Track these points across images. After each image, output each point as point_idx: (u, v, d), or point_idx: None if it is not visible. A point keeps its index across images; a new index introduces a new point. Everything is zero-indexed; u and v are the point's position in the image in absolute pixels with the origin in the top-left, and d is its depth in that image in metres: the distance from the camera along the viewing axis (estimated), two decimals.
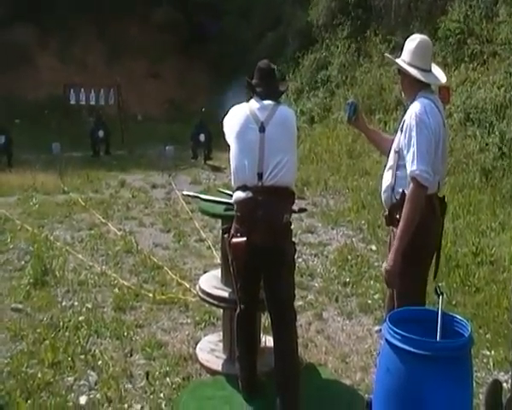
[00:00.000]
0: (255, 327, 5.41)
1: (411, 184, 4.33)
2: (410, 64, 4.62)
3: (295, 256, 5.08)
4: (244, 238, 4.74)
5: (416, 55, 4.62)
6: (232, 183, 5.01)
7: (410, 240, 4.33)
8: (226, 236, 5.00)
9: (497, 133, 12.42)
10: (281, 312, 4.95)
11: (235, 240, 4.81)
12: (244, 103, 5.07)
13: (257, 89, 5.07)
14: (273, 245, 4.79)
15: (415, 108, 4.47)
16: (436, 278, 4.92)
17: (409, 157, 4.37)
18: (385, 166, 4.80)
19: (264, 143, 4.80)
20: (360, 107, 5.25)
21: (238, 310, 5.14)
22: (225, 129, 5.15)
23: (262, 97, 5.01)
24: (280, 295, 4.94)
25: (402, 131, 4.51)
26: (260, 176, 4.78)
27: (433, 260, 4.80)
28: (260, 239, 4.72)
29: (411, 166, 4.33)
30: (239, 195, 4.84)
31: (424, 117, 4.39)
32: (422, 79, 4.60)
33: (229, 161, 5.03)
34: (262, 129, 4.83)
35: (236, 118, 5.00)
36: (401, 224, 4.34)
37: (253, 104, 4.99)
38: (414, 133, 4.36)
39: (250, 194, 4.77)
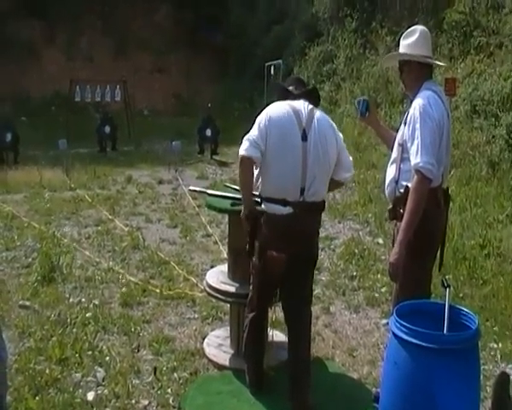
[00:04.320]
0: (266, 326, 5.43)
1: (415, 177, 4.31)
2: (413, 55, 4.62)
3: None
4: (283, 254, 4.63)
5: (420, 45, 4.61)
6: (261, 188, 4.80)
7: (414, 233, 4.31)
8: (257, 244, 4.81)
9: (503, 125, 12.39)
10: (300, 309, 4.97)
11: (272, 254, 4.67)
12: (283, 103, 4.79)
13: (294, 91, 4.88)
14: (308, 251, 4.85)
15: (418, 100, 4.46)
16: (441, 271, 4.91)
17: (413, 149, 4.34)
18: (389, 159, 4.79)
19: (307, 154, 4.59)
20: (372, 104, 5.19)
21: (255, 313, 5.08)
22: (260, 132, 4.64)
23: (299, 98, 4.81)
24: (303, 294, 4.98)
25: (406, 123, 4.50)
26: (302, 191, 4.63)
27: (438, 253, 4.79)
28: (298, 252, 4.69)
29: (415, 158, 4.30)
30: (277, 208, 4.65)
31: (428, 108, 4.38)
32: (430, 62, 4.62)
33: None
34: (304, 137, 4.61)
35: (276, 119, 4.65)
36: (405, 216, 4.32)
37: (294, 103, 4.74)
38: (418, 125, 4.34)
39: (291, 210, 4.63)
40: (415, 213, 4.29)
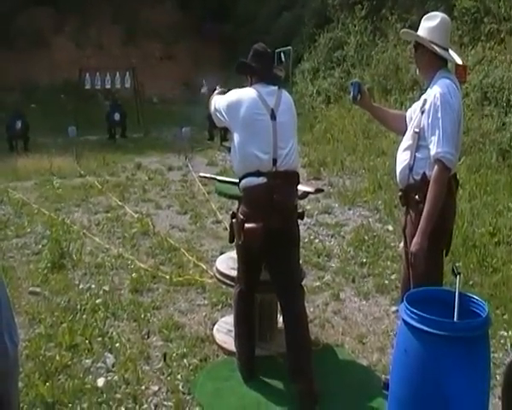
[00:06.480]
0: (254, 308, 5.42)
1: (436, 167, 4.30)
2: (430, 41, 4.57)
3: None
4: (260, 224, 4.72)
5: (438, 32, 4.56)
6: (236, 168, 5.01)
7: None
8: (235, 220, 5.00)
9: None
10: (292, 291, 5.00)
11: (249, 225, 4.77)
12: (248, 88, 5.02)
13: (261, 73, 5.03)
14: (287, 228, 4.88)
15: (438, 88, 4.41)
16: (450, 256, 4.90)
17: (434, 139, 4.32)
18: (399, 145, 4.77)
19: (277, 130, 4.82)
20: (363, 86, 5.18)
21: (238, 290, 5.23)
22: (228, 113, 4.96)
23: (267, 82, 5.00)
24: (291, 275, 5.02)
25: (422, 111, 4.46)
26: (275, 162, 4.80)
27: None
28: (276, 223, 4.73)
29: (437, 148, 4.28)
30: (252, 180, 4.83)
31: (448, 98, 4.35)
32: (444, 55, 4.56)
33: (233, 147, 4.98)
34: (273, 116, 4.84)
35: (244, 104, 4.87)
36: (427, 206, 4.31)
37: (260, 89, 4.94)
38: (439, 114, 4.31)
39: (265, 179, 4.78)
40: (436, 203, 4.29)
